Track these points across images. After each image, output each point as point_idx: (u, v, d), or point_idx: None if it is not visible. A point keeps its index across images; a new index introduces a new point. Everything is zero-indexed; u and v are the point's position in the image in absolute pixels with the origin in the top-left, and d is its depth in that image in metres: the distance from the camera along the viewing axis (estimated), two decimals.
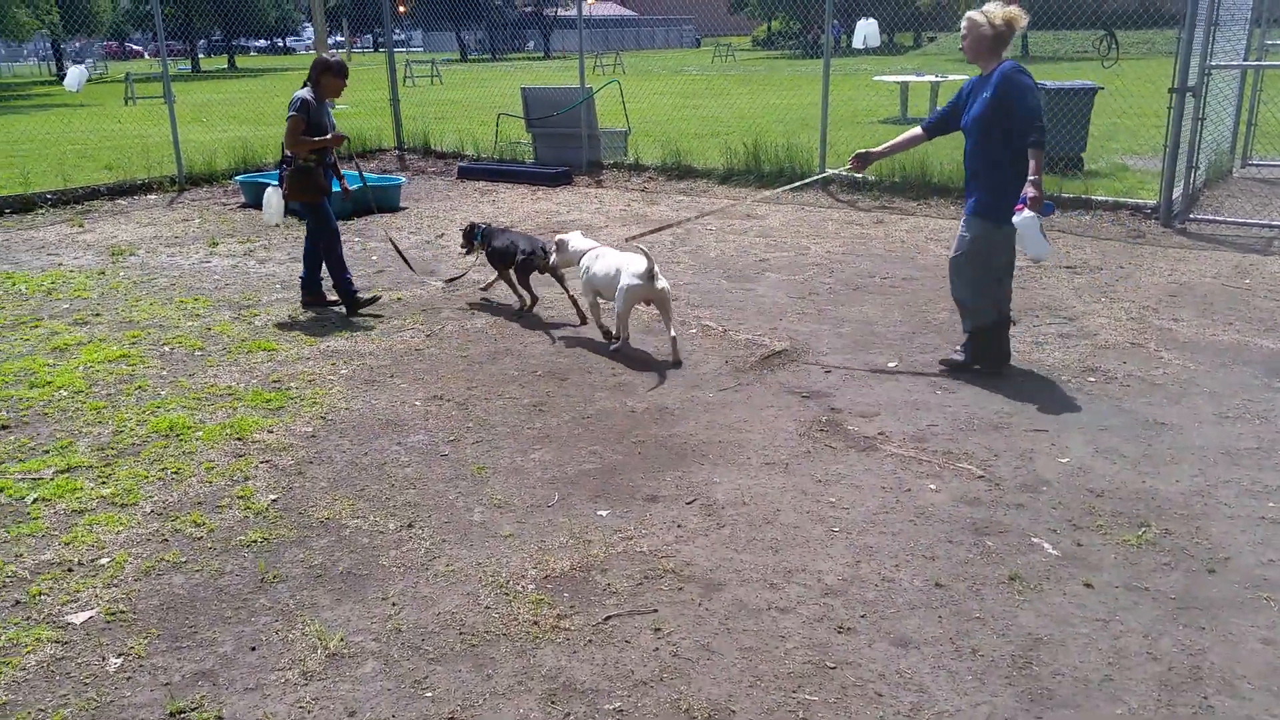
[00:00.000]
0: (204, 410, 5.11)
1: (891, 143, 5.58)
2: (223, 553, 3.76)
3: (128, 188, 11.76)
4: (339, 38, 54.72)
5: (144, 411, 5.08)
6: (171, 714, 2.87)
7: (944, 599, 3.35)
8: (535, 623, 3.25)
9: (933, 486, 4.16)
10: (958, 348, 5.54)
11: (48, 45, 47.08)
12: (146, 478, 4.35)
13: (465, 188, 12.17)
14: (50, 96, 30.95)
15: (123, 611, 3.38)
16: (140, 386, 5.43)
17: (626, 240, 6.36)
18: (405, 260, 7.45)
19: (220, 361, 5.86)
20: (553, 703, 2.88)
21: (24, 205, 10.85)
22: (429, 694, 2.93)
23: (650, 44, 61.27)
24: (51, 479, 4.35)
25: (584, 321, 6.43)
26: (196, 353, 6.00)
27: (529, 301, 6.77)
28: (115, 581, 3.56)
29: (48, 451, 4.63)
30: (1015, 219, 4.89)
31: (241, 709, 2.88)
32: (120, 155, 14.22)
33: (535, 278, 6.63)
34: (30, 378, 5.57)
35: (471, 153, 13.94)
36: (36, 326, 6.56)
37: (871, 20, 11.65)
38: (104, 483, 4.31)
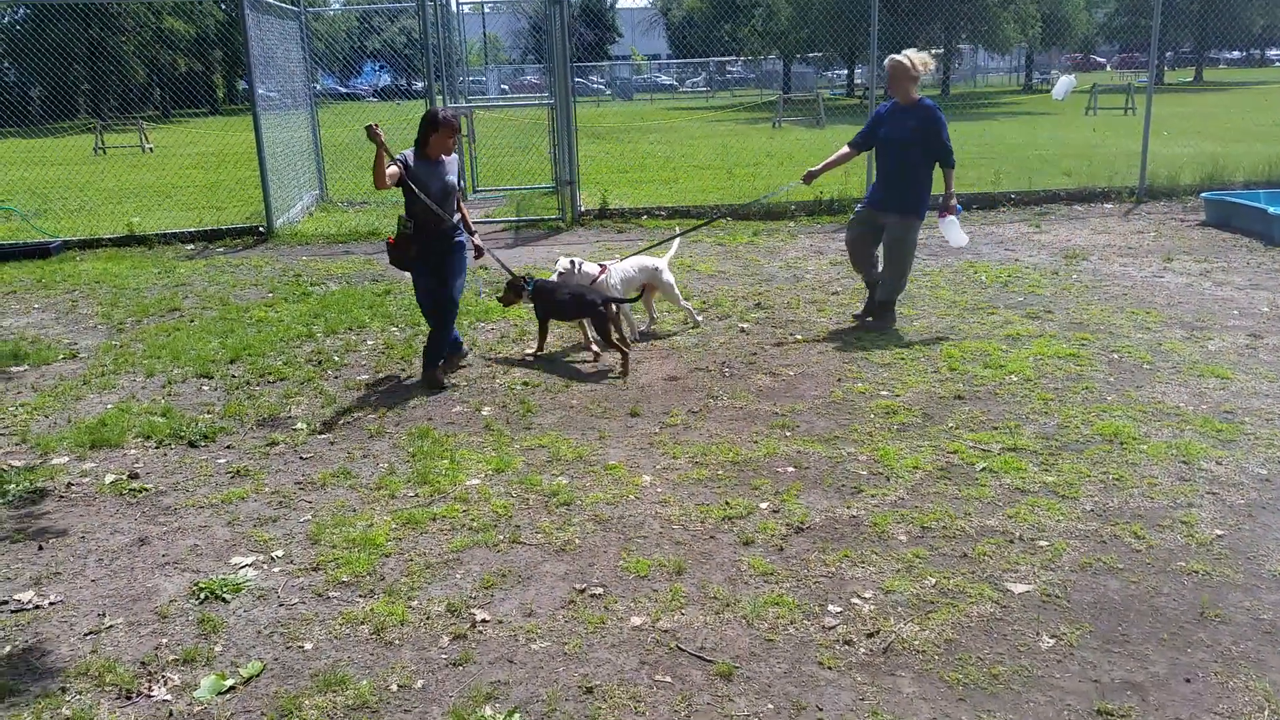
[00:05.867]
0: (1149, 424, 4.99)
1: (828, 160, 6.95)
2: (1160, 572, 3.63)
3: (1085, 195, 12.08)
4: None
5: (1089, 412, 5.18)
6: (1099, 712, 2.89)
7: None
8: None
9: None
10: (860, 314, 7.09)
11: (1020, 58, 50.79)
12: (1088, 476, 4.43)
13: None
14: (1018, 105, 33.50)
15: (1057, 596, 3.51)
16: (1087, 388, 5.54)
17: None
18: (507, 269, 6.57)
19: (1169, 379, 5.65)
20: None
21: (990, 203, 11.95)
22: None
23: None
24: (998, 454, 4.72)
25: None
26: (1145, 366, 5.89)
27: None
28: (1052, 565, 3.71)
29: (996, 428, 5.04)
30: (944, 219, 6.82)
31: None
32: (1079, 163, 14.68)
33: None
34: (985, 358, 6.12)
35: None
36: (993, 314, 7.16)
37: None
38: (1046, 470, 4.52)
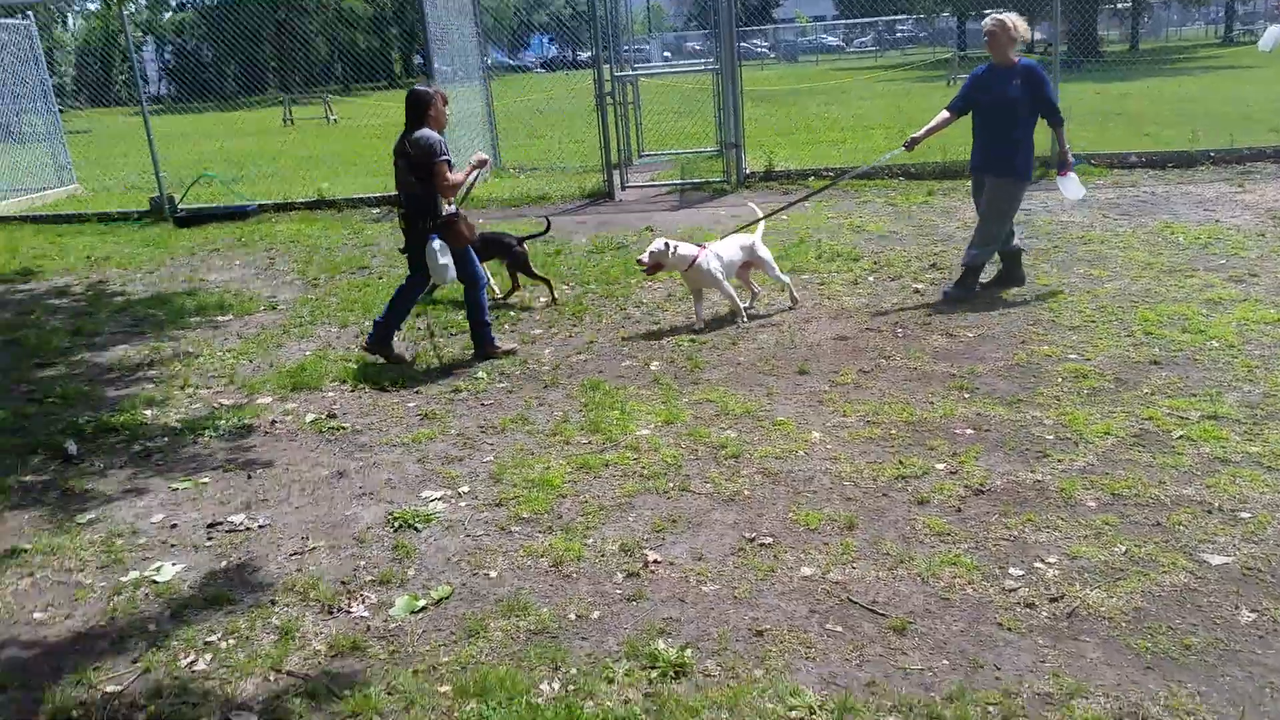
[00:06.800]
0: None
1: (929, 125, 6.66)
2: None
3: None
4: None
5: None
6: None
7: None
8: None
9: None
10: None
11: (1219, 8, 46.84)
12: None
13: None
14: (1217, 59, 30.95)
15: (1259, 570, 3.29)
16: None
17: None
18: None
19: None
20: None
21: (1187, 161, 11.14)
22: None
23: None
24: (1197, 422, 4.43)
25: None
26: None
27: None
28: (1254, 538, 3.47)
29: (1195, 395, 4.73)
30: (1062, 176, 6.63)
31: None
32: None
33: None
34: (1183, 323, 5.74)
35: None
36: (1191, 276, 6.70)
37: None
38: (1250, 440, 4.22)
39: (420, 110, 5.58)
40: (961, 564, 3.43)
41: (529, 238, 7.14)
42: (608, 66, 11.60)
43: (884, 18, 48.18)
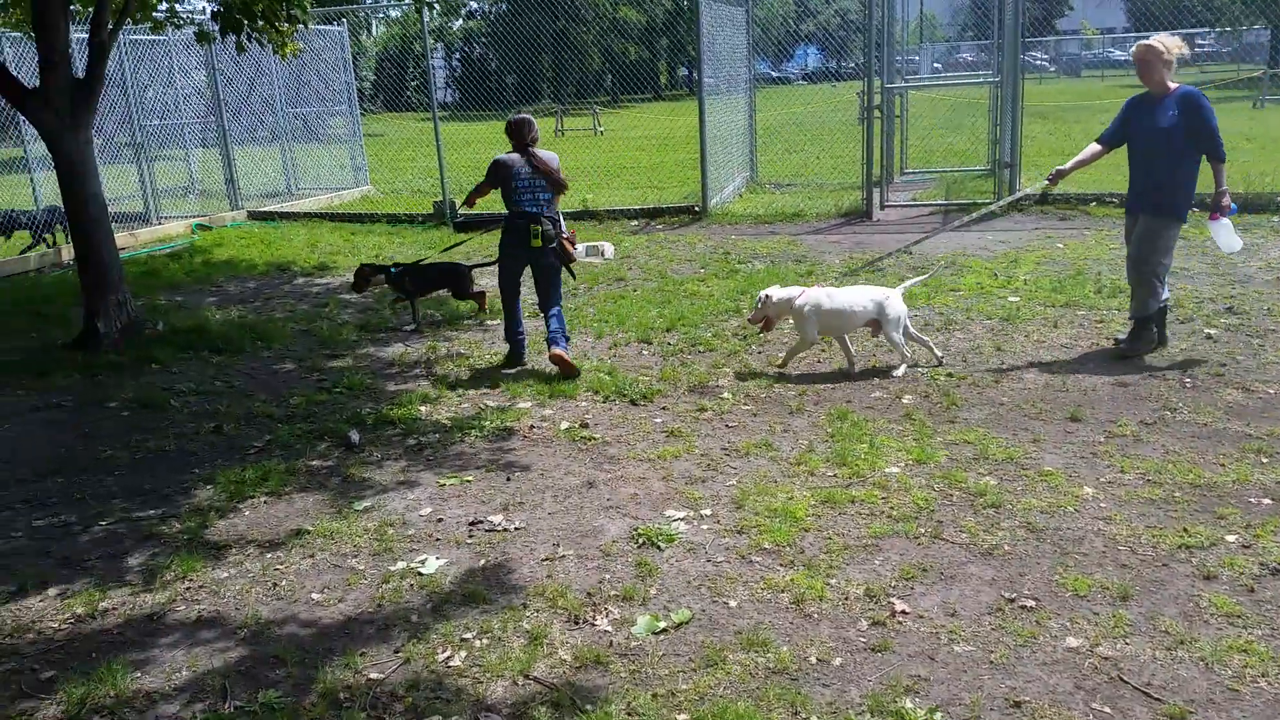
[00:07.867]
0: None
1: (1078, 159, 6.14)
2: None
3: None
4: None
5: None
6: None
7: None
8: None
9: None
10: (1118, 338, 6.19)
11: None
12: None
13: None
14: None
15: None
16: None
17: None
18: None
19: None
20: None
21: None
22: None
23: None
24: None
25: None
26: None
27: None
28: None
29: None
30: (1214, 222, 5.85)
31: None
32: None
33: None
34: None
35: None
36: None
37: None
38: None
39: (533, 133, 6.30)
40: (1253, 652, 3.05)
41: (476, 266, 7.83)
42: (880, 78, 11.34)
43: (1183, 30, 44.17)
